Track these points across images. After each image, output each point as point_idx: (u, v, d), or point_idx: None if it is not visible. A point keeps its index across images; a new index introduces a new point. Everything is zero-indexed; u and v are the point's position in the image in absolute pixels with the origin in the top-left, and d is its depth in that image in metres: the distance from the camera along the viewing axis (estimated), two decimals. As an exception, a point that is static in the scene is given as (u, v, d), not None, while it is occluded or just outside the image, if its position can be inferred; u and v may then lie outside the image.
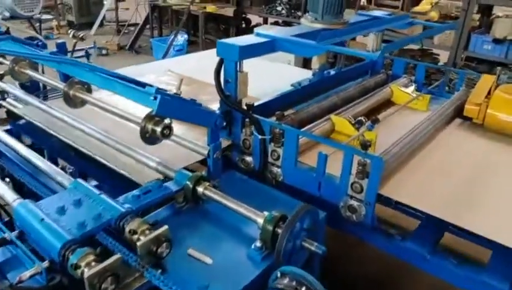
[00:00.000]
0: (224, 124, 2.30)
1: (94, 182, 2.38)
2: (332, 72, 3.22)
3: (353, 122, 2.51)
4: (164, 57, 8.44)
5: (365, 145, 1.87)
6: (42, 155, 2.41)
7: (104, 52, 9.16)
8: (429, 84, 3.64)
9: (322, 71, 3.04)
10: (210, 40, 10.14)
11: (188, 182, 1.88)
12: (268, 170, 2.27)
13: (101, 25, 11.58)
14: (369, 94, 3.06)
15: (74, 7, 11.37)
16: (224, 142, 2.36)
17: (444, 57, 7.10)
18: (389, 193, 2.05)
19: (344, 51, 2.13)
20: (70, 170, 2.53)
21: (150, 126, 1.93)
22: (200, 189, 1.87)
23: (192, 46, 9.78)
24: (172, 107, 1.82)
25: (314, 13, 2.68)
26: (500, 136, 2.72)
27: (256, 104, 2.50)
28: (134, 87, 1.86)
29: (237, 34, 9.63)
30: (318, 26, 2.67)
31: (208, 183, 1.88)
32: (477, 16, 6.58)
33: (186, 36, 8.98)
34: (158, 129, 1.92)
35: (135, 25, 10.63)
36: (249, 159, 2.34)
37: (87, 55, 3.52)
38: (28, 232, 1.63)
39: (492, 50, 5.99)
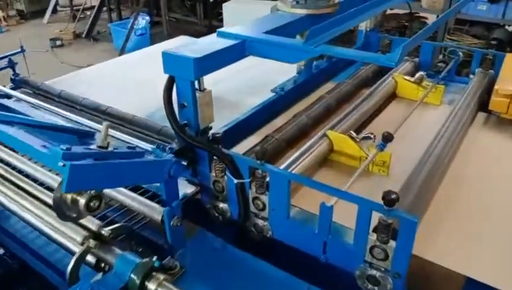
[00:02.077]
0: (185, 163, 1.67)
1: None
2: (319, 64, 2.57)
3: (357, 138, 1.90)
4: (125, 43, 7.60)
5: (391, 201, 1.26)
6: None
7: (58, 43, 8.23)
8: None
9: (309, 66, 2.40)
10: (176, 20, 9.28)
11: (133, 276, 1.26)
12: (251, 223, 1.67)
13: (55, 11, 10.52)
14: (369, 89, 2.44)
15: (22, -6, 10.24)
16: (189, 188, 1.75)
17: (431, 20, 6.48)
18: (416, 250, 1.46)
19: (348, 56, 1.49)
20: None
21: (69, 196, 1.29)
22: (151, 287, 1.25)
23: (156, 27, 8.91)
24: (94, 174, 1.17)
25: (294, -6, 2.01)
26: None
27: (227, 127, 1.87)
28: (31, 145, 1.20)
29: (205, 11, 8.79)
30: (301, 12, 2.01)
31: (162, 277, 1.26)
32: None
33: (148, 18, 8.09)
34: (81, 201, 1.28)
35: (92, 8, 9.63)
36: (224, 206, 1.72)
37: (12, 65, 2.77)
38: None
39: (487, 11, 5.39)
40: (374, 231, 1.38)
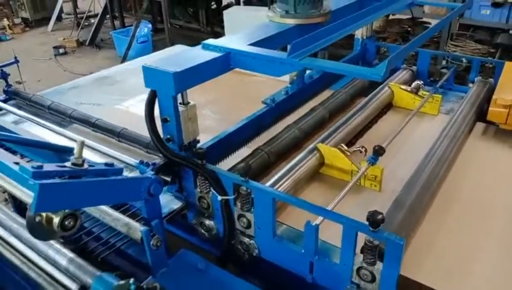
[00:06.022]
0: (169, 179, 1.63)
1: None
2: (312, 73, 2.51)
3: (347, 152, 1.85)
4: (127, 51, 7.60)
5: (376, 222, 1.20)
6: None
7: (61, 51, 8.24)
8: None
9: (302, 76, 2.35)
10: (179, 26, 9.27)
11: (109, 299, 1.21)
12: (237, 240, 1.61)
13: (60, 19, 10.57)
14: (364, 100, 2.38)
15: (27, 2, 10.25)
16: (176, 203, 1.71)
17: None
18: (406, 271, 1.39)
19: (333, 69, 1.44)
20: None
21: (43, 215, 1.25)
22: (127, 311, 1.20)
23: (160, 34, 8.90)
24: (65, 194, 1.13)
25: (284, 3, 1.96)
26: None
27: (214, 141, 1.83)
28: (2, 161, 1.16)
29: (207, 18, 8.78)
30: (290, 22, 1.96)
31: (139, 301, 1.22)
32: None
33: (150, 25, 8.09)
34: (55, 220, 1.23)
35: (96, 16, 9.65)
36: (210, 223, 1.68)
37: (5, 76, 2.75)
38: None
39: (491, 15, 5.30)
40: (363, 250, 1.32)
